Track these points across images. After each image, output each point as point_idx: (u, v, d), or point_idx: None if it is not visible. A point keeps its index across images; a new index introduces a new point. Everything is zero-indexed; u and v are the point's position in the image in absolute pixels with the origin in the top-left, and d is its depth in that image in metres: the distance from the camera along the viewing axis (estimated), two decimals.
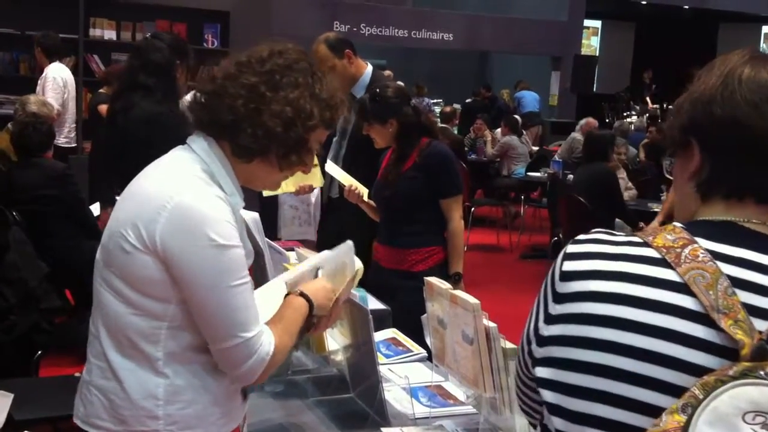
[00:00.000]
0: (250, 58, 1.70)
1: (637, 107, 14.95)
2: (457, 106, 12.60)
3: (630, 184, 6.87)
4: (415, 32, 12.86)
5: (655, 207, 6.78)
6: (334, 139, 4.08)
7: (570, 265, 1.07)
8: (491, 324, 1.95)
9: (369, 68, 4.02)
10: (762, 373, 0.91)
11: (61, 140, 6.82)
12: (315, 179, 4.04)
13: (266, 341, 1.64)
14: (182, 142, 3.31)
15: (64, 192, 4.67)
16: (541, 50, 14.18)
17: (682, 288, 0.98)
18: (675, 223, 1.07)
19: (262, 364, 1.63)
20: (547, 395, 1.07)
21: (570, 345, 1.04)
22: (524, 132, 10.47)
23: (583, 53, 15.71)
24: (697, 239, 1.03)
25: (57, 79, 7.08)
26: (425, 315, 2.31)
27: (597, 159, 6.27)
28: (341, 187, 3.76)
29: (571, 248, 1.10)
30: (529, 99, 14.16)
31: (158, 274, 1.59)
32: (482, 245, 8.82)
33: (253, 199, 4.24)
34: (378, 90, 3.56)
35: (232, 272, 1.59)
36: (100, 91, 7.06)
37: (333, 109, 1.74)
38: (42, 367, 3.68)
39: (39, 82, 7.20)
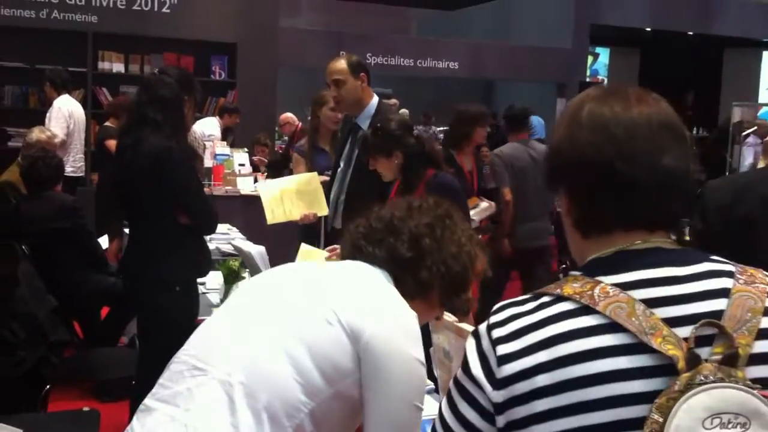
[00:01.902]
0: (419, 204, 1.81)
1: None
2: None
3: None
4: (420, 61, 12.94)
5: None
6: (339, 169, 4.09)
7: (504, 348, 1.09)
8: None
9: (375, 99, 4.02)
10: (701, 377, 0.99)
11: (68, 169, 6.89)
12: (320, 208, 4.05)
13: None
14: (189, 175, 3.34)
15: (74, 225, 4.71)
16: (546, 77, 14.23)
17: (608, 328, 1.05)
18: (572, 273, 1.13)
19: None
20: None
21: (545, 420, 1.05)
22: None
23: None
24: (599, 278, 1.09)
25: (62, 110, 7.23)
26: (432, 347, 2.31)
27: None
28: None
29: (496, 332, 1.11)
30: (539, 126, 14.18)
31: (347, 359, 1.55)
32: None
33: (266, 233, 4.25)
34: (379, 124, 3.57)
35: (421, 394, 1.60)
36: (106, 124, 7.11)
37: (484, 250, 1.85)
38: (50, 401, 3.69)
39: (47, 114, 7.32)
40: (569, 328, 1.06)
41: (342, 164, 4.06)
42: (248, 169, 8.27)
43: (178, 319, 3.30)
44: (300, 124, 9.25)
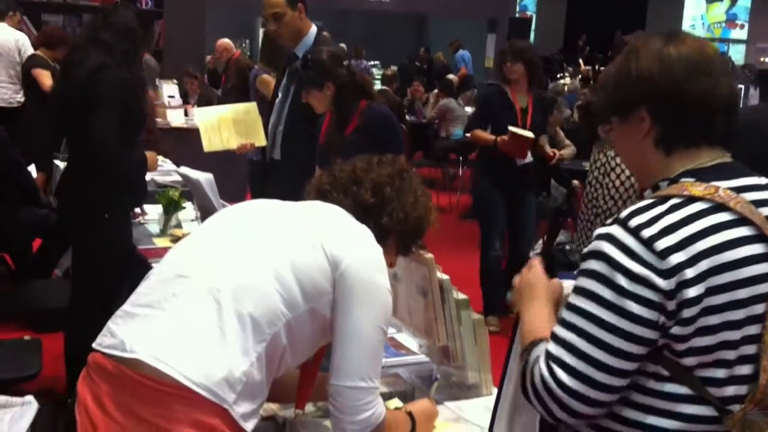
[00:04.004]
0: (378, 159, 1.95)
1: (570, 69, 15.19)
2: (394, 68, 12.62)
3: (568, 141, 7.01)
4: None
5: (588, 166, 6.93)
6: (277, 101, 4.07)
7: (663, 243, 1.28)
8: (444, 276, 2.04)
9: (314, 29, 4.00)
10: None
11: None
12: (258, 138, 4.04)
13: (382, 405, 1.71)
14: (130, 96, 3.25)
15: (1, 157, 4.58)
16: (476, 13, 14.26)
17: (740, 222, 1.31)
18: (684, 179, 1.36)
19: (374, 423, 1.68)
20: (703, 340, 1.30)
21: (703, 298, 1.27)
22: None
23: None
24: (715, 183, 1.33)
25: None
26: None
27: None
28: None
29: (646, 232, 1.29)
30: (467, 61, 14.20)
31: (325, 282, 1.67)
32: None
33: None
34: (310, 56, 3.55)
35: (387, 319, 1.74)
36: (36, 53, 6.82)
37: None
38: None
39: None
40: (714, 222, 1.30)
41: (280, 95, 4.05)
42: (178, 101, 8.13)
43: (109, 248, 3.29)
44: (238, 51, 9.11)
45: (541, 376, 1.35)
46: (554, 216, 6.28)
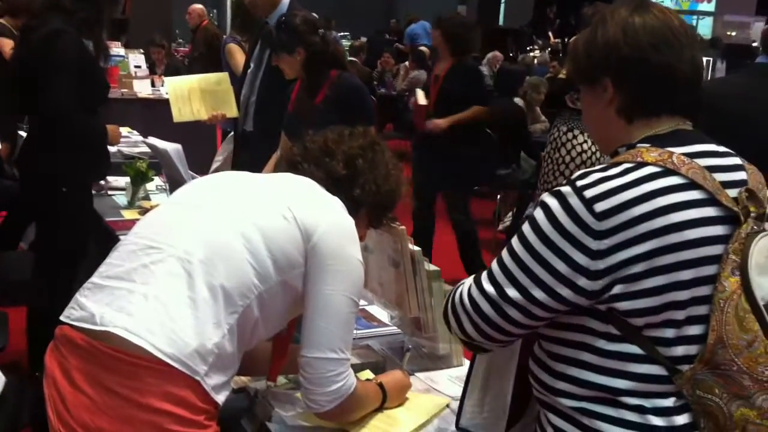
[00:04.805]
0: (350, 131, 1.93)
1: (540, 42, 15.20)
2: (363, 39, 12.53)
3: (543, 117, 7.05)
4: None
5: None
6: (249, 70, 4.04)
7: (602, 205, 1.30)
8: (416, 248, 2.04)
9: None
10: (754, 227, 1.32)
11: None
12: (229, 109, 4.00)
13: (353, 377, 1.71)
14: (88, 63, 3.20)
15: None
16: None
17: (689, 186, 1.32)
18: (641, 145, 1.38)
19: (344, 394, 1.67)
20: (630, 304, 1.31)
21: (646, 259, 1.29)
22: None
23: None
24: (670, 149, 1.35)
25: None
26: None
27: (507, 94, 6.43)
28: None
29: (589, 192, 1.31)
30: (422, 33, 14.00)
31: (297, 253, 1.66)
32: None
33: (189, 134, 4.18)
34: (284, 19, 3.52)
35: (358, 290, 1.73)
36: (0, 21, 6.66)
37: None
38: None
39: None
40: (663, 185, 1.31)
41: (252, 65, 4.01)
42: (145, 71, 8.02)
43: (69, 221, 3.25)
44: (207, 20, 9.01)
45: (461, 293, 1.45)
46: (523, 188, 6.31)
